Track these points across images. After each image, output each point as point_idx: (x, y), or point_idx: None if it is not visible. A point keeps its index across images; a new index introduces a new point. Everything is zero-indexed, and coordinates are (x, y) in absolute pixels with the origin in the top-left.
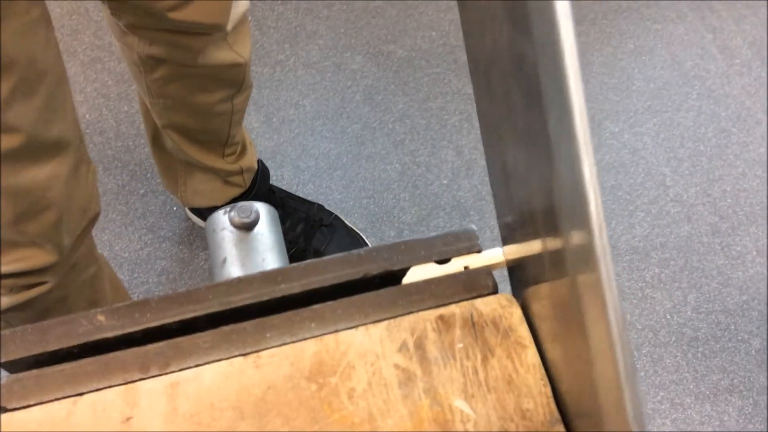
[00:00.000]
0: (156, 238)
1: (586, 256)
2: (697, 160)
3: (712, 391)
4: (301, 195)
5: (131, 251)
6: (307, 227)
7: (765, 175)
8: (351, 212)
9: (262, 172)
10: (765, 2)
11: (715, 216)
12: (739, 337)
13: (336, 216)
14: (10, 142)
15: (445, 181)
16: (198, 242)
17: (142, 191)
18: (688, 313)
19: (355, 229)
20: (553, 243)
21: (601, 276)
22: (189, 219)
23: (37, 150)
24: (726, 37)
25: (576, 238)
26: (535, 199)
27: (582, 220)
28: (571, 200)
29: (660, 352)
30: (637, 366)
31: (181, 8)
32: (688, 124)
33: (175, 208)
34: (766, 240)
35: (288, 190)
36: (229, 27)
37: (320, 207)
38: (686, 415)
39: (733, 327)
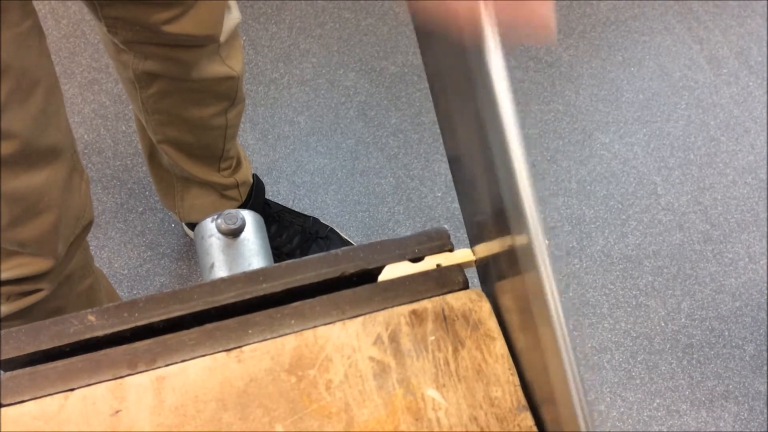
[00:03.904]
0: (155, 254)
1: (529, 255)
2: (688, 168)
3: (708, 398)
4: (297, 209)
5: (130, 268)
6: (303, 240)
7: (754, 182)
8: (346, 225)
9: (257, 185)
10: (751, 13)
11: (706, 224)
12: (734, 343)
13: (331, 229)
14: (6, 148)
15: (439, 194)
16: (196, 258)
17: (140, 209)
18: (682, 320)
19: (350, 241)
20: (506, 243)
21: (541, 275)
22: (187, 235)
23: (32, 156)
24: (713, 48)
25: (519, 238)
26: (489, 203)
27: (521, 222)
28: (512, 204)
29: (655, 360)
30: (633, 374)
31: (176, 21)
32: (678, 134)
33: (173, 225)
34: (758, 246)
35: (284, 205)
36: (222, 39)
37: (316, 220)
38: (682, 422)
39: (727, 333)
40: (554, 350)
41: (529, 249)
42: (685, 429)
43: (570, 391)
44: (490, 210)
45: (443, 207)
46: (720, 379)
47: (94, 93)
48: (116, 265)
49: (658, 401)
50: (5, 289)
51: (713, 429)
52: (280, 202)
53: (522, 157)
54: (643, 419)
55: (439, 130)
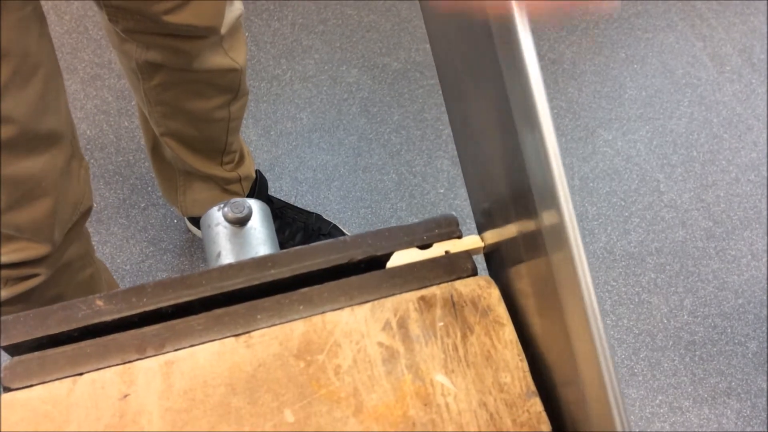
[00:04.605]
0: (157, 250)
1: (558, 235)
2: (691, 165)
3: (710, 394)
4: (299, 206)
5: (133, 264)
6: (305, 236)
7: (757, 179)
8: (349, 222)
9: (260, 181)
10: (754, 10)
11: (709, 221)
12: (736, 340)
13: (334, 225)
14: (4, 132)
15: (441, 190)
16: (198, 254)
17: (142, 205)
18: (685, 317)
19: None
20: (526, 225)
21: (572, 253)
22: (189, 231)
23: (31, 141)
24: (716, 45)
25: (547, 219)
26: (508, 186)
27: (551, 202)
28: (540, 185)
29: (658, 356)
30: (635, 370)
31: (176, 11)
32: (681, 131)
33: (175, 221)
34: (761, 243)
35: (286, 201)
36: (224, 30)
37: (318, 216)
38: (685, 419)
39: (729, 330)
40: (583, 329)
41: (559, 228)
42: (687, 426)
43: (601, 370)
44: (507, 194)
45: (446, 203)
46: (722, 376)
47: (96, 89)
48: (118, 261)
49: (660, 398)
50: (2, 273)
51: (715, 426)
52: (282, 199)
53: (554, 136)
54: (646, 416)
55: (441, 127)
